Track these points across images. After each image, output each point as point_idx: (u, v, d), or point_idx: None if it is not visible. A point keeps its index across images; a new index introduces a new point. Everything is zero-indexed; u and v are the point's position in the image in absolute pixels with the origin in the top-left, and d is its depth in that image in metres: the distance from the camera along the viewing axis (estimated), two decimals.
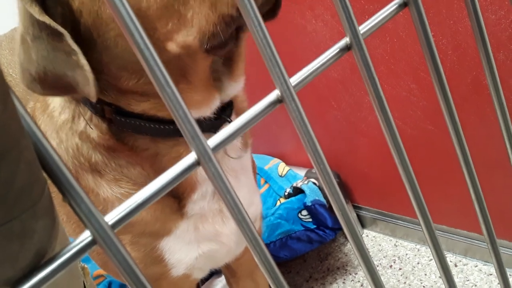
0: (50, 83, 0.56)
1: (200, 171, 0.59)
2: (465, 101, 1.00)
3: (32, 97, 0.76)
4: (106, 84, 0.61)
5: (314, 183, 1.39)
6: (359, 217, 1.51)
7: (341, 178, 1.47)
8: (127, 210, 0.24)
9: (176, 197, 0.71)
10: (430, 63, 0.34)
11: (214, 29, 0.53)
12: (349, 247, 1.48)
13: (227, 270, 1.02)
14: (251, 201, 0.84)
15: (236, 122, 0.28)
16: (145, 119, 0.64)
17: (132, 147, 0.67)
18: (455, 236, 1.25)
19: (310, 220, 1.35)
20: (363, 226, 1.53)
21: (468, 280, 1.20)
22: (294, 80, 0.29)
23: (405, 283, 1.28)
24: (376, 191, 1.41)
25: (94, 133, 0.66)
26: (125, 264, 0.24)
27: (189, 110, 0.24)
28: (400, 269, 1.33)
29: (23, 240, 0.21)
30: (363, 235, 1.51)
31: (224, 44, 0.56)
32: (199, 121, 0.65)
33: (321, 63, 0.31)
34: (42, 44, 0.54)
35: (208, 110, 0.66)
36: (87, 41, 0.57)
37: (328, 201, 1.34)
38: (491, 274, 1.19)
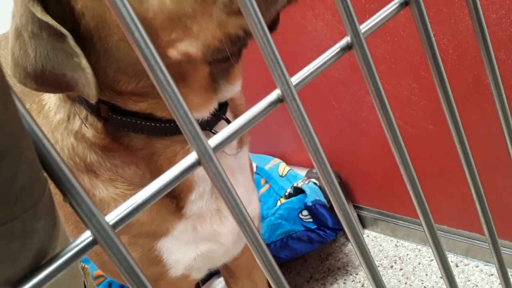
0: (46, 80, 0.56)
1: (197, 170, 0.59)
2: (466, 100, 1.00)
3: (28, 98, 0.76)
4: (102, 84, 0.61)
5: (315, 183, 1.39)
6: (359, 217, 1.51)
7: (341, 178, 1.47)
8: (128, 210, 0.24)
9: (173, 198, 0.71)
10: (431, 62, 0.34)
11: (219, 45, 0.53)
12: (350, 247, 1.48)
13: (225, 271, 1.02)
14: (249, 200, 0.84)
15: (237, 122, 0.28)
16: (141, 117, 0.64)
17: (128, 146, 0.66)
18: (456, 236, 1.25)
19: (311, 220, 1.35)
20: (363, 226, 1.53)
21: (469, 281, 1.20)
22: (295, 79, 0.29)
23: (406, 283, 1.28)
24: (377, 191, 1.41)
25: (89, 132, 0.66)
26: (126, 264, 0.24)
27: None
28: (401, 269, 1.33)
29: (24, 240, 0.21)
30: (364, 236, 1.51)
31: (227, 59, 0.56)
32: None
33: (322, 62, 0.30)
34: (41, 42, 0.53)
35: (207, 112, 0.66)
36: (86, 43, 0.57)
37: (329, 201, 1.34)
38: (492, 275, 1.19)
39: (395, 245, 1.42)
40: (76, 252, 0.23)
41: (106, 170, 0.67)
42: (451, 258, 1.28)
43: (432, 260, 1.31)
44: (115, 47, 0.56)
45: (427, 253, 1.34)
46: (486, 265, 1.22)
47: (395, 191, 1.34)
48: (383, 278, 1.37)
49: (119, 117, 0.64)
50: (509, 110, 0.40)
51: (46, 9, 0.54)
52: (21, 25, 0.54)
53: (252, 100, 0.32)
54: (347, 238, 1.51)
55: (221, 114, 0.68)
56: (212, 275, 1.37)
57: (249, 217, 0.27)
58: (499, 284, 1.09)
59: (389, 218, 1.43)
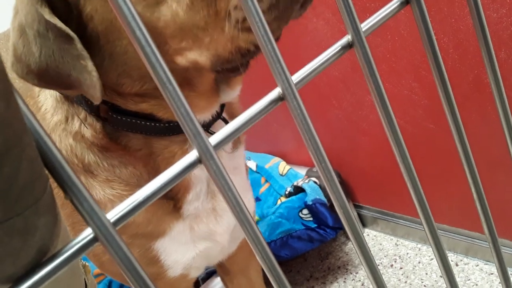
0: (49, 78, 0.56)
1: (193, 171, 0.60)
2: (466, 99, 1.00)
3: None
4: (104, 85, 0.61)
5: (315, 182, 1.39)
6: (360, 216, 1.51)
7: (342, 177, 1.47)
8: (129, 207, 0.24)
9: (169, 199, 0.71)
10: (431, 61, 0.34)
11: (229, 56, 0.54)
12: (350, 246, 1.48)
13: (221, 269, 1.03)
14: (245, 200, 0.84)
15: (238, 120, 0.28)
16: (141, 117, 0.64)
17: (126, 146, 0.67)
18: (456, 235, 1.25)
19: (311, 219, 1.35)
20: (364, 225, 1.53)
21: (469, 280, 1.20)
22: (296, 77, 0.29)
23: (406, 282, 1.28)
24: (377, 190, 1.41)
25: (88, 132, 0.66)
26: (126, 262, 0.24)
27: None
28: (401, 268, 1.33)
29: (25, 237, 0.21)
30: (364, 234, 1.51)
31: (236, 69, 0.56)
32: None
33: (323, 60, 0.30)
34: (47, 42, 0.54)
35: (209, 114, 0.67)
36: (91, 45, 0.57)
37: (329, 200, 1.34)
38: (492, 274, 1.19)
39: (395, 244, 1.42)
40: (77, 250, 0.23)
41: (103, 170, 0.67)
42: (451, 257, 1.28)
43: (432, 259, 1.32)
44: (123, 51, 0.57)
45: (427, 252, 1.34)
46: (486, 264, 1.22)
47: (395, 190, 1.34)
48: (383, 277, 1.37)
49: (119, 117, 0.64)
50: (509, 109, 0.40)
51: (53, 9, 0.54)
52: (25, 23, 0.54)
53: (253, 99, 0.32)
54: (347, 237, 1.51)
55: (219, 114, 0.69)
56: (211, 274, 1.37)
57: (250, 215, 0.27)
58: (499, 283, 1.09)
59: (389, 217, 1.43)
